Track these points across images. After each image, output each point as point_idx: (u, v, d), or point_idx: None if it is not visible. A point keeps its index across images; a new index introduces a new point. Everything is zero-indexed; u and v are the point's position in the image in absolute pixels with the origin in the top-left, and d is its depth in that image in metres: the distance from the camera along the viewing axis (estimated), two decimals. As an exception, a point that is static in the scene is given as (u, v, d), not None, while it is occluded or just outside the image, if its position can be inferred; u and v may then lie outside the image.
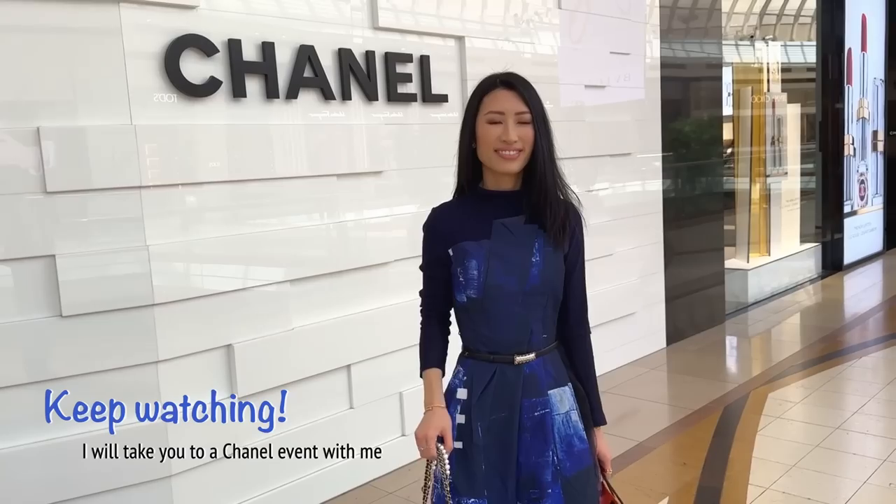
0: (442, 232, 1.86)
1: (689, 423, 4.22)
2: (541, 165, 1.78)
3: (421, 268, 1.95)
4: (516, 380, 1.81)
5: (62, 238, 2.66)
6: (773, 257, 7.75)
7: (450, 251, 1.83)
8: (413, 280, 3.62)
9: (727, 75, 7.07)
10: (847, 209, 8.75)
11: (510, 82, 1.78)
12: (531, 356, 1.83)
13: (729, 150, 7.40)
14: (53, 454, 2.69)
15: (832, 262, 8.59)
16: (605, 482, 1.94)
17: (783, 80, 8.23)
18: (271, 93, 3.13)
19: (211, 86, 2.94)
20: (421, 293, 1.98)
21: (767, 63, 8.08)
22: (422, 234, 1.92)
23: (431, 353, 1.91)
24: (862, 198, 9.19)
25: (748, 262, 7.44)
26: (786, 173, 8.07)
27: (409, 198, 3.73)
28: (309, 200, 3.34)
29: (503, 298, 1.78)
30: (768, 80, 8.06)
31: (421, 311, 1.98)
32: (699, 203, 6.18)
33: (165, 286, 2.84)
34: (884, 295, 7.57)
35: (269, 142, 3.17)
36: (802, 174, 8.51)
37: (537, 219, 1.80)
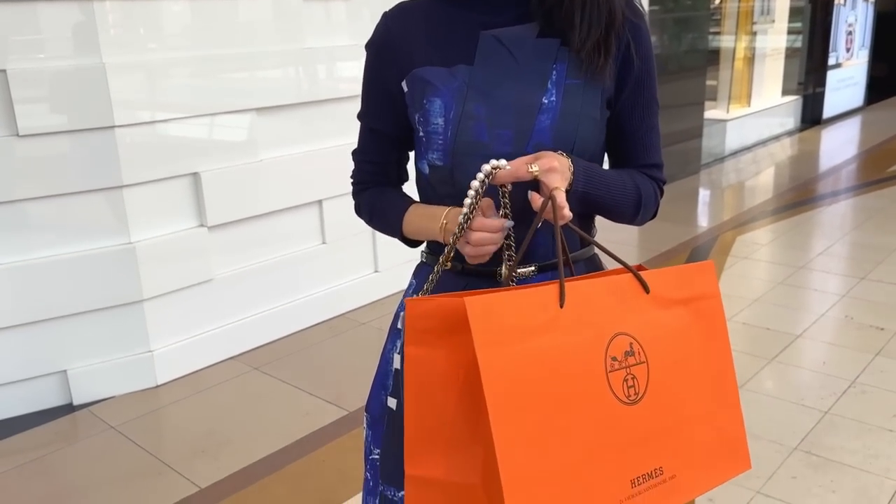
0: (394, 49, 1.14)
1: (655, 263, 4.30)
2: None
3: (359, 117, 1.26)
4: None
5: (13, 52, 2.52)
6: (752, 109, 7.67)
7: (404, 83, 1.13)
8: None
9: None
10: (832, 61, 8.60)
11: None
12: (529, 269, 1.11)
13: (717, 2, 7.15)
14: (23, 276, 2.68)
15: (811, 116, 8.55)
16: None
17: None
18: None
19: None
20: (353, 157, 1.28)
21: None
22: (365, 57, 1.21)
23: (394, 204, 1.21)
24: (848, 50, 9.01)
25: (728, 112, 7.36)
26: (773, 21, 7.84)
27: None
28: (273, 22, 3.18)
29: None
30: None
31: (353, 186, 1.28)
32: (682, 59, 6.03)
33: (125, 106, 2.73)
34: (859, 148, 7.59)
35: (230, -42, 2.97)
36: (790, 29, 8.28)
37: (557, 28, 1.07)
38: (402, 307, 1.16)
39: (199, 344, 3.11)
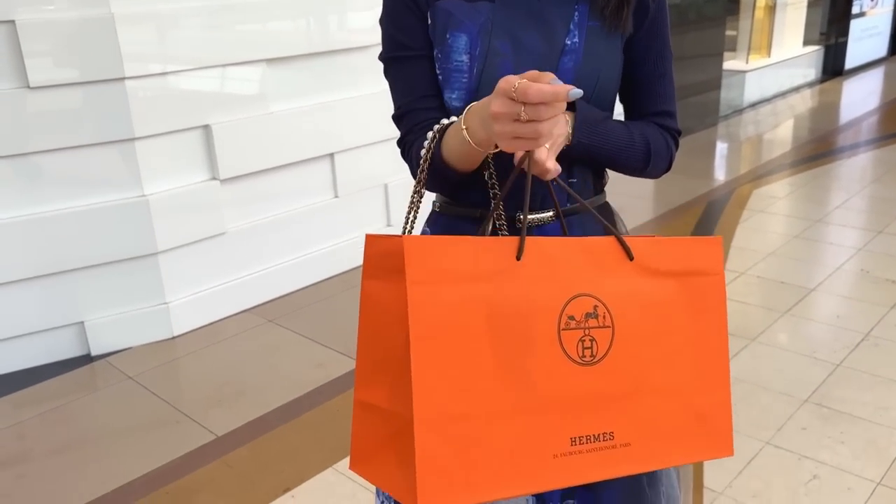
0: None
1: (671, 217, 4.26)
2: None
3: (385, 59, 1.13)
4: None
5: (21, 4, 2.50)
6: (773, 59, 7.51)
7: (428, 16, 1.07)
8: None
9: None
10: (855, 10, 8.37)
11: None
12: (546, 214, 1.10)
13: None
14: (38, 229, 2.70)
15: (833, 67, 8.36)
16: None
17: None
18: None
19: None
20: (394, 115, 1.15)
21: None
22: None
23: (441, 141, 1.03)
24: (872, -2, 8.77)
25: (747, 63, 7.21)
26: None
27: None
28: (284, -25, 3.13)
29: None
30: None
31: (402, 148, 1.15)
32: (702, 8, 5.89)
33: (135, 58, 2.71)
34: (881, 100, 7.43)
35: None
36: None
37: None
38: None
39: (214, 296, 3.14)
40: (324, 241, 3.51)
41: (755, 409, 2.42)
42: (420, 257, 0.83)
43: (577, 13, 1.05)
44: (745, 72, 7.02)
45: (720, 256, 1.02)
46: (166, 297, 2.99)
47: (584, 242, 0.94)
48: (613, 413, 0.93)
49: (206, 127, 2.97)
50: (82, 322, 2.88)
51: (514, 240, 0.89)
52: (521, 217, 0.90)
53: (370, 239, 0.90)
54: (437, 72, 1.07)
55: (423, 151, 1.03)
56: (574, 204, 1.10)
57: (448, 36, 1.04)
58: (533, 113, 0.81)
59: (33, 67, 2.55)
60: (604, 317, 0.92)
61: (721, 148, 5.98)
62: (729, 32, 6.72)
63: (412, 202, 1.05)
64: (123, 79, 2.69)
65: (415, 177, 1.06)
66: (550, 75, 0.83)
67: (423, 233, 1.20)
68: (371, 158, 3.59)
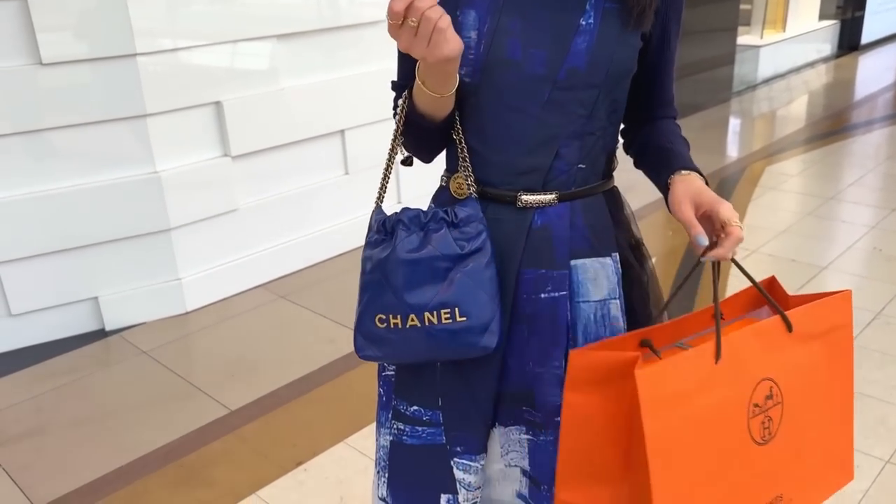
0: None
1: (683, 194, 4.24)
2: None
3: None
4: (517, 234, 1.09)
5: (31, -20, 2.50)
6: (787, 34, 7.41)
7: None
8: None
9: None
10: (873, -17, 8.25)
11: None
12: (550, 197, 1.08)
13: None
14: (51, 204, 2.72)
15: (849, 42, 8.25)
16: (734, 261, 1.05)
17: None
18: None
19: None
20: (396, 88, 1.13)
21: None
22: None
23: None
24: (891, -29, 8.63)
25: (762, 38, 7.13)
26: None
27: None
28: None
29: (514, 87, 1.03)
30: None
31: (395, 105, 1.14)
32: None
33: (146, 34, 2.71)
34: (898, 75, 7.34)
35: None
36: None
37: None
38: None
39: (227, 272, 3.16)
40: (335, 218, 3.52)
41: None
42: (650, 387, 0.90)
43: None
44: (759, 47, 6.94)
45: (850, 308, 1.08)
46: (179, 273, 3.02)
47: (755, 328, 1.00)
48: (782, 477, 1.02)
49: (218, 103, 2.97)
50: (97, 297, 2.91)
51: (708, 346, 0.95)
52: (577, 193, 1.02)
53: (575, 354, 0.97)
54: None
55: (398, 110, 1.07)
56: (580, 188, 1.09)
57: (458, 13, 1.03)
58: (414, 13, 0.88)
59: (45, 43, 2.55)
60: (776, 395, 1.00)
61: (734, 124, 5.93)
62: (743, 6, 6.63)
63: (388, 163, 1.10)
64: (135, 55, 2.68)
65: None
66: None
67: (430, 208, 1.15)
68: (382, 135, 3.57)
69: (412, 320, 1.03)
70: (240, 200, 3.15)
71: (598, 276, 1.10)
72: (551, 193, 1.08)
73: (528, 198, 1.07)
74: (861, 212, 3.87)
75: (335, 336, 2.86)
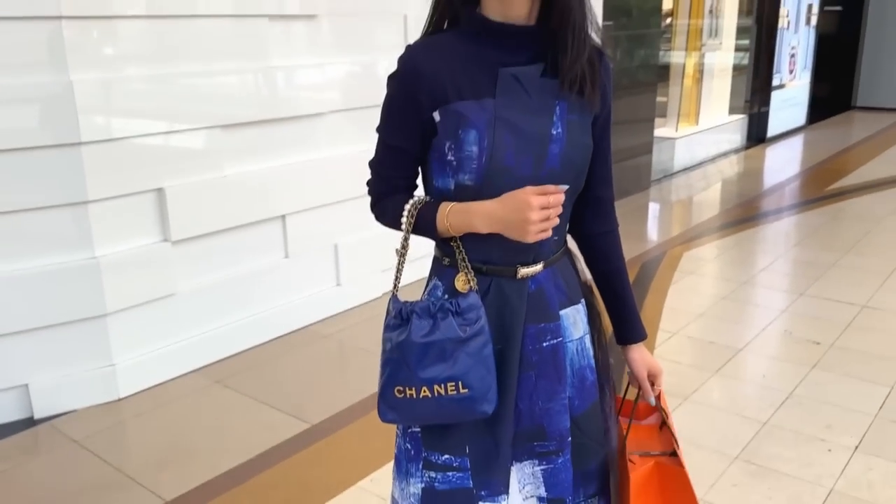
0: (426, 82, 1.26)
1: (609, 278, 4.44)
2: None
3: (379, 132, 1.36)
4: (518, 300, 1.33)
5: (-22, 70, 2.55)
6: (700, 127, 7.94)
7: (436, 114, 1.26)
8: (347, 133, 3.65)
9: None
10: (776, 82, 8.95)
11: None
12: (538, 267, 1.34)
13: (668, 21, 7.39)
14: (-16, 291, 2.68)
15: (757, 134, 8.87)
16: (659, 409, 1.52)
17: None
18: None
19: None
20: (371, 170, 1.39)
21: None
22: (387, 86, 1.32)
23: (426, 206, 1.32)
24: (791, 71, 9.38)
25: (677, 130, 7.61)
26: (720, 45, 8.14)
27: (343, 47, 3.66)
28: (236, 42, 3.24)
29: (508, 187, 1.24)
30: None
31: (372, 195, 1.40)
32: (635, 74, 6.23)
33: (93, 123, 2.76)
34: (801, 166, 7.92)
35: (197, -22, 3.03)
36: (736, 49, 8.59)
37: (557, 70, 1.26)
38: (392, 300, 1.33)
39: (162, 357, 3.14)
40: (274, 301, 3.56)
41: (690, 467, 2.55)
42: None
43: (558, 108, 1.27)
44: (674, 139, 7.41)
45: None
46: (113, 359, 2.99)
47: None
48: None
49: (160, 190, 3.02)
50: (26, 384, 2.84)
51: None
52: (555, 259, 1.39)
53: None
54: (450, 158, 1.26)
55: (403, 223, 1.31)
56: (555, 254, 1.38)
57: (460, 132, 1.24)
58: (554, 210, 1.23)
59: (-11, 131, 2.57)
60: None
61: (654, 210, 6.27)
62: (660, 99, 7.09)
63: (399, 260, 1.35)
64: (80, 143, 2.73)
65: (375, 213, 1.39)
66: (555, 187, 1.22)
67: (434, 286, 1.38)
68: (322, 219, 3.68)
69: (424, 391, 1.26)
70: (178, 285, 3.17)
71: (575, 320, 1.41)
72: (539, 264, 1.34)
73: (525, 270, 1.33)
74: (773, 296, 4.14)
75: (273, 422, 2.86)
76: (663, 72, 7.22)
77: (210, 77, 3.14)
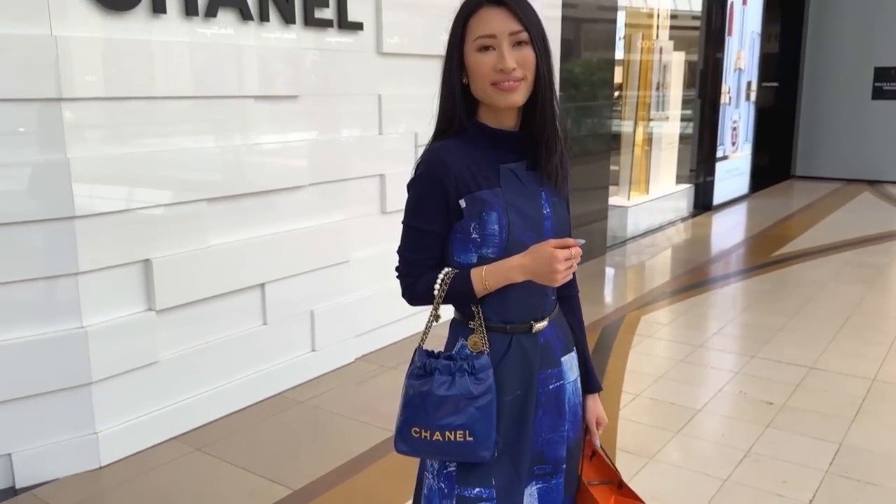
0: (453, 175, 1.53)
1: (572, 342, 4.64)
2: (543, 96, 1.54)
3: (408, 224, 1.60)
4: (533, 351, 1.61)
5: (-21, 148, 2.65)
6: (650, 196, 8.33)
7: (462, 202, 1.53)
8: (320, 205, 3.82)
9: (620, 19, 7.41)
10: (720, 154, 9.46)
11: None
12: (545, 322, 1.64)
13: (617, 93, 7.80)
14: (-27, 361, 2.73)
15: (703, 203, 9.32)
16: (598, 448, 1.82)
17: (671, 28, 8.69)
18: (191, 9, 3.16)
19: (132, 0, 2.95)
20: (401, 258, 1.63)
21: (658, 10, 8.49)
22: (416, 181, 1.58)
23: (456, 276, 1.56)
24: (733, 144, 9.94)
25: (629, 199, 7.98)
26: (667, 118, 8.62)
27: (321, 124, 3.86)
28: (220, 120, 3.41)
29: None
30: (657, 27, 8.49)
31: (404, 281, 1.63)
32: (586, 143, 6.57)
33: (87, 198, 2.88)
34: (746, 233, 8.34)
35: (192, 58, 3.21)
36: (682, 119, 9.10)
37: (538, 165, 1.59)
38: (418, 351, 1.59)
39: (143, 424, 3.19)
40: (252, 367, 3.64)
41: (658, 523, 2.70)
42: None
43: (543, 193, 1.61)
44: (627, 207, 7.76)
45: None
46: (96, 427, 3.03)
47: None
48: None
49: (147, 261, 3.13)
50: (9, 454, 2.87)
51: None
52: (555, 315, 1.69)
53: None
54: (475, 236, 1.54)
55: (436, 291, 1.56)
56: (553, 310, 1.69)
57: (484, 214, 1.54)
58: (576, 259, 1.53)
59: (-13, 206, 2.67)
60: None
61: (610, 276, 6.54)
62: (613, 167, 7.46)
63: (429, 321, 1.62)
64: (73, 217, 2.84)
65: (407, 296, 1.63)
66: (572, 241, 1.52)
67: (462, 346, 1.60)
68: (299, 287, 3.81)
69: (437, 435, 1.52)
70: (160, 352, 3.24)
71: (572, 364, 1.72)
72: (546, 320, 1.65)
73: (538, 326, 1.62)
74: (726, 358, 4.38)
75: (254, 487, 2.93)
76: (615, 141, 7.60)
77: (197, 153, 3.30)
